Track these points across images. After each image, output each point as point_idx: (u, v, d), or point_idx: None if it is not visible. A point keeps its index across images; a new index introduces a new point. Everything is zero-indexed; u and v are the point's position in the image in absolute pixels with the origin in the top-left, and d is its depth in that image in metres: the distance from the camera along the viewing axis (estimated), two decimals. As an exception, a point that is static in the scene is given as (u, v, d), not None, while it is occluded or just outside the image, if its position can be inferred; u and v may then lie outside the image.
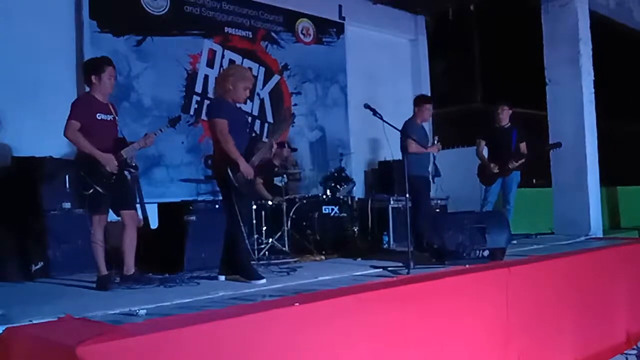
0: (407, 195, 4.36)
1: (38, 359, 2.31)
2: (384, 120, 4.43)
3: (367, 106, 4.46)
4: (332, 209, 5.83)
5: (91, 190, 3.72)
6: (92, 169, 3.74)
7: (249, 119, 4.52)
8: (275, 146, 4.23)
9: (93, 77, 3.85)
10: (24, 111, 5.08)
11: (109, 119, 3.90)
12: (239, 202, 3.93)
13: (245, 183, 3.95)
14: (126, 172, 4.02)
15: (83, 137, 3.72)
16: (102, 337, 2.14)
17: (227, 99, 4.02)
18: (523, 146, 6.06)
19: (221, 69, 6.54)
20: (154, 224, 5.16)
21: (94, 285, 3.81)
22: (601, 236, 6.79)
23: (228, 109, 3.97)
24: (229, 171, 3.88)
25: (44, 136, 5.04)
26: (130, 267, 3.91)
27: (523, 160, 5.92)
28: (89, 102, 3.84)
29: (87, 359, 2.02)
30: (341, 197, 6.07)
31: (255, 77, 4.16)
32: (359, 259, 4.96)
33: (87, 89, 3.96)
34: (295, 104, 7.21)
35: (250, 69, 4.36)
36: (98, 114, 3.83)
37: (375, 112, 4.43)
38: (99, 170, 3.74)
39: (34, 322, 2.62)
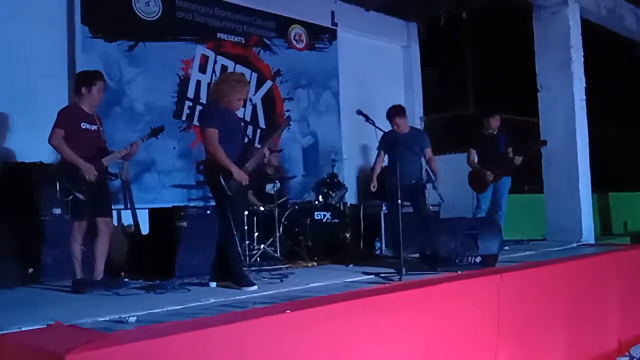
0: (400, 202, 4.36)
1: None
2: (376, 127, 4.44)
3: (359, 112, 4.48)
4: (324, 215, 5.82)
5: (71, 197, 3.86)
6: (72, 176, 3.88)
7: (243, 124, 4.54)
8: (267, 154, 4.22)
9: (83, 89, 4.02)
10: (15, 116, 5.05)
11: (93, 129, 4.06)
12: (231, 209, 3.92)
13: (238, 190, 3.94)
14: (111, 179, 4.17)
15: (66, 145, 3.87)
16: (91, 345, 2.12)
17: (220, 105, 4.01)
18: (510, 151, 6.11)
19: (213, 74, 6.54)
20: (145, 229, 5.13)
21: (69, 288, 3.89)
22: (593, 242, 6.82)
23: (220, 116, 3.96)
24: (222, 179, 3.87)
25: (35, 142, 5.00)
26: (99, 273, 4.01)
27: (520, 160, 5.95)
28: (75, 111, 4.01)
29: (75, 368, 2.00)
30: (333, 203, 6.07)
31: (248, 83, 4.22)
32: (351, 265, 4.94)
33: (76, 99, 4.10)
34: (288, 110, 7.21)
35: (243, 74, 4.33)
36: (83, 124, 3.99)
37: (367, 119, 4.45)
38: (79, 177, 3.88)
39: (23, 329, 2.59)
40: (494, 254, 4.37)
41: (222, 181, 3.86)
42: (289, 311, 2.74)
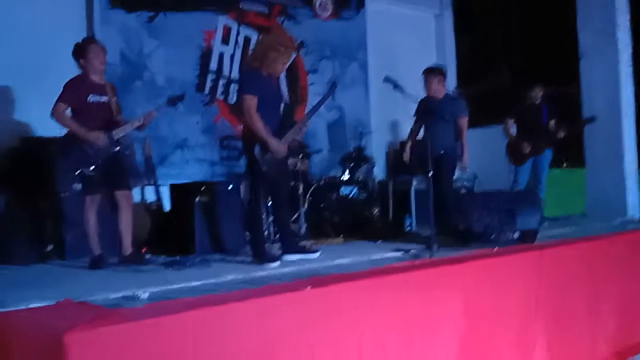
0: (430, 175, 4.07)
1: (27, 345, 2.16)
2: (405, 93, 4.16)
3: (387, 79, 4.20)
4: (351, 190, 5.60)
5: (78, 171, 3.72)
6: (78, 150, 3.72)
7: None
8: (305, 129, 4.01)
9: (81, 61, 3.86)
10: (33, 91, 4.93)
11: (102, 100, 3.87)
12: (264, 184, 3.75)
13: (274, 164, 3.74)
14: (127, 152, 3.99)
15: (70, 118, 3.74)
16: (92, 324, 1.97)
17: (260, 71, 3.79)
18: (552, 123, 5.73)
19: (236, 46, 6.33)
20: (167, 205, 5.02)
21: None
22: (638, 218, 6.42)
23: (259, 83, 3.74)
24: (257, 151, 3.68)
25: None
26: (127, 248, 3.88)
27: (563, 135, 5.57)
28: (80, 84, 3.83)
29: (75, 346, 1.85)
30: (360, 177, 5.82)
31: (293, 47, 3.94)
32: (380, 241, 4.73)
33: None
34: (312, 83, 6.95)
35: (286, 37, 4.09)
36: (90, 96, 3.81)
37: (395, 85, 4.17)
38: (86, 151, 3.72)
39: (32, 306, 2.47)
40: (534, 229, 4.07)
41: (258, 154, 3.67)
42: (310, 287, 2.55)
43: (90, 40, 3.99)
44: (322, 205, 5.46)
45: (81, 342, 1.84)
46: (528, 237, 4.05)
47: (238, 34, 6.37)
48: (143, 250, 4.41)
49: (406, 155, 5.14)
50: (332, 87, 4.34)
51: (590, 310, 3.93)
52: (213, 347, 2.14)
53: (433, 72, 4.99)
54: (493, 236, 4.03)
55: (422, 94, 5.07)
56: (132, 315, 2.17)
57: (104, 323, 1.96)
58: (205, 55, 6.13)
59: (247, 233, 4.00)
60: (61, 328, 1.91)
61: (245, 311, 2.30)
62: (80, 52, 3.87)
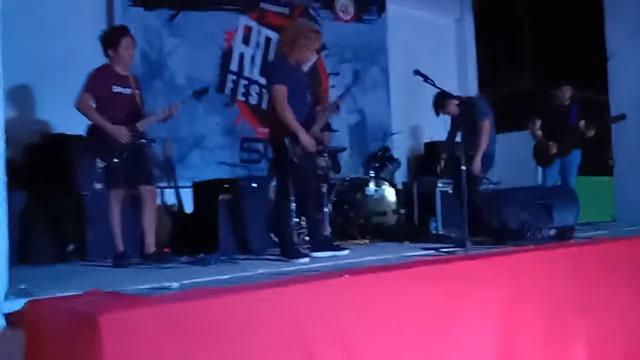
0: (463, 168, 3.93)
1: (59, 329, 2.04)
2: (436, 87, 4.04)
3: (417, 72, 4.08)
4: (377, 191, 5.47)
5: (103, 164, 3.63)
6: (103, 143, 3.61)
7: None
8: (339, 107, 3.93)
9: (110, 51, 3.75)
10: (53, 88, 4.87)
11: (126, 92, 3.77)
12: (294, 177, 3.66)
13: (304, 157, 3.65)
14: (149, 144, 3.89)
15: (94, 110, 3.62)
16: (126, 305, 1.86)
17: (288, 59, 3.72)
18: (582, 124, 5.57)
19: (257, 47, 6.26)
20: (188, 207, 4.92)
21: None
22: (671, 223, 6.20)
23: (288, 73, 3.68)
24: (287, 143, 3.58)
25: (74, 114, 4.83)
26: (150, 245, 3.76)
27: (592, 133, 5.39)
28: (106, 74, 3.73)
29: (109, 328, 1.74)
30: (386, 178, 5.70)
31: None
32: (406, 242, 4.58)
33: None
34: (333, 86, 6.86)
35: (311, 23, 4.05)
36: (114, 87, 3.71)
37: (426, 79, 4.05)
38: (110, 143, 3.61)
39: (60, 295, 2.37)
40: (571, 225, 3.91)
41: (288, 145, 3.57)
42: (347, 276, 2.43)
43: (123, 30, 3.81)
44: (346, 207, 5.34)
45: (115, 324, 1.73)
46: (564, 234, 3.89)
47: (259, 34, 6.31)
48: (164, 249, 4.30)
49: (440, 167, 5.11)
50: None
51: (630, 308, 3.75)
52: (245, 333, 2.03)
53: (438, 101, 4.94)
54: (528, 233, 3.86)
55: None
56: (165, 300, 2.06)
57: (137, 305, 1.86)
58: (226, 56, 6.07)
59: (275, 229, 3.87)
60: (94, 311, 1.81)
61: (280, 298, 2.19)
62: (111, 41, 3.75)
